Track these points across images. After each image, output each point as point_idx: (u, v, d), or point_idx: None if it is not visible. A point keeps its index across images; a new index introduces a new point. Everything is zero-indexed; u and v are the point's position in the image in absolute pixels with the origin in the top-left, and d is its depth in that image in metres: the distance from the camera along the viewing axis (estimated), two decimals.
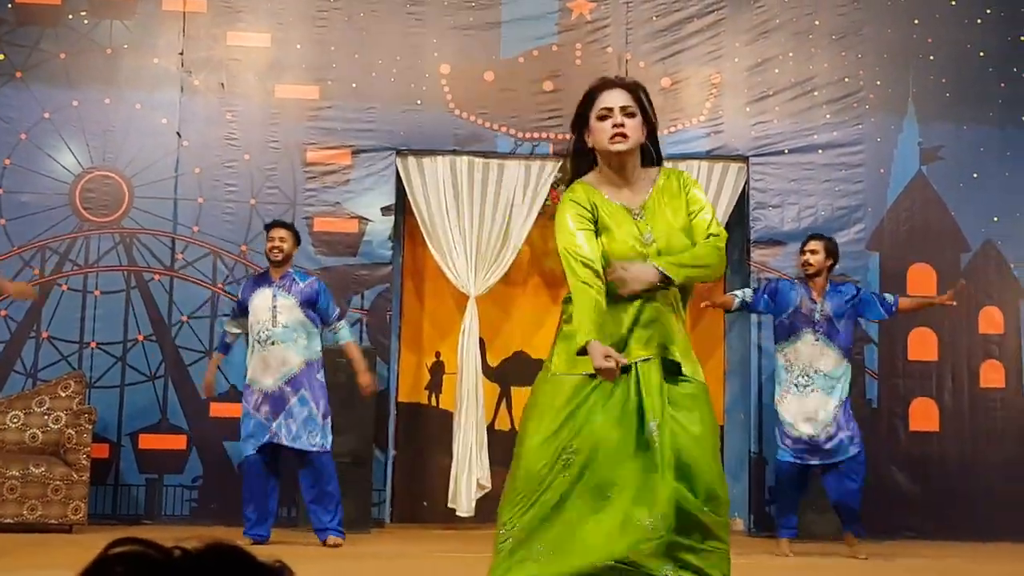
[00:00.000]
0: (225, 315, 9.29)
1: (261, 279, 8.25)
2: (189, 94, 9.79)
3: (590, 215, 4.05)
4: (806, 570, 7.17)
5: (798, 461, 8.00)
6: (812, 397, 7.98)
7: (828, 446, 7.95)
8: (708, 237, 4.10)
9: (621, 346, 3.96)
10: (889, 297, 8.34)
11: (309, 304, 8.07)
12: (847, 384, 8.10)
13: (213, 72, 9.83)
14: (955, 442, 9.81)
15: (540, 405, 4.06)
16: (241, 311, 8.24)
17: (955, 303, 8.48)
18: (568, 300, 4.12)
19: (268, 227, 8.33)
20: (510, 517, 3.97)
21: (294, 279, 8.16)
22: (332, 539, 7.82)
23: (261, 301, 8.06)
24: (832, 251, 8.26)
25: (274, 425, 7.82)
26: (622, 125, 4.04)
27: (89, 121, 9.71)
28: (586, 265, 3.95)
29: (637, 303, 3.99)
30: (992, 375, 9.89)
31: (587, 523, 3.88)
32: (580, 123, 4.19)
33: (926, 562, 7.73)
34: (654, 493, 3.86)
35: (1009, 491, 9.69)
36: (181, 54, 9.81)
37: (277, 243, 8.13)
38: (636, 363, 3.96)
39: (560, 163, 9.45)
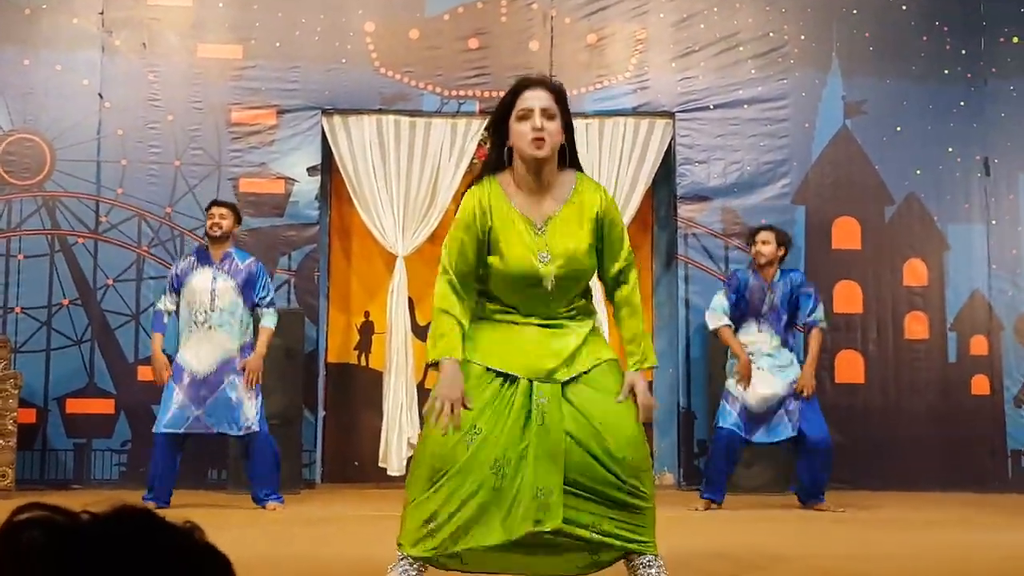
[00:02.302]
0: (151, 277, 9.22)
1: (201, 258, 8.02)
2: (110, 54, 9.64)
3: (480, 222, 4.04)
4: (734, 523, 7.25)
5: (736, 431, 7.99)
6: (757, 374, 7.98)
7: (763, 424, 7.97)
8: (627, 264, 4.17)
9: (520, 361, 4.01)
10: (818, 315, 8.16)
11: (247, 286, 7.94)
12: (796, 368, 8.08)
13: (134, 32, 9.68)
14: (880, 393, 9.96)
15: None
16: (176, 287, 8.06)
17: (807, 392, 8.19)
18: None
19: (208, 206, 8.19)
20: (416, 496, 4.00)
21: (234, 260, 7.98)
22: (271, 504, 7.77)
23: (200, 282, 7.88)
24: (783, 241, 8.22)
25: (201, 412, 7.71)
26: (541, 128, 3.98)
27: (8, 83, 9.53)
28: (452, 289, 4.01)
29: (534, 329, 4.05)
30: (916, 327, 10.04)
31: (491, 507, 3.92)
32: (500, 121, 4.12)
33: (853, 512, 7.84)
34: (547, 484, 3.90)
35: (933, 440, 9.86)
36: (101, 14, 9.64)
37: (217, 220, 7.95)
38: (532, 382, 3.99)
39: (487, 121, 9.41)
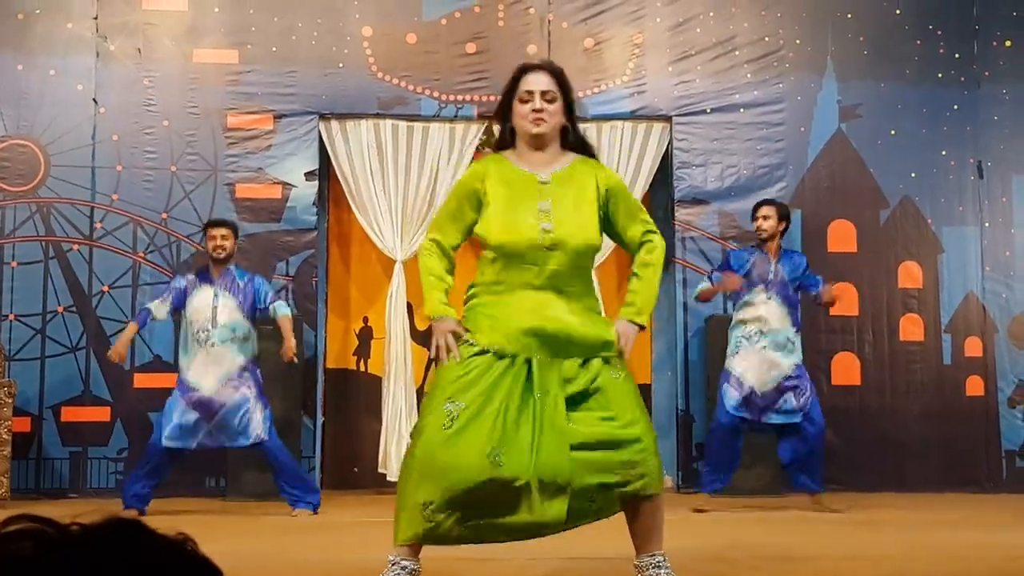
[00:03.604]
0: (147, 284, 9.22)
1: (202, 277, 8.00)
2: (105, 60, 9.63)
3: (478, 183, 4.26)
4: (732, 525, 7.25)
5: (736, 415, 7.99)
6: (762, 353, 7.99)
7: (770, 405, 7.97)
8: (646, 233, 4.32)
9: (520, 341, 4.10)
10: (819, 279, 8.30)
11: (248, 303, 7.94)
12: (800, 351, 8.12)
13: (129, 37, 9.67)
14: (876, 395, 9.96)
15: (439, 384, 4.14)
16: (178, 304, 7.97)
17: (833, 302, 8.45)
18: (472, 286, 4.34)
19: (208, 225, 8.15)
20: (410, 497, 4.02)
21: (235, 278, 7.97)
22: (298, 510, 7.79)
23: (201, 300, 7.87)
24: (784, 215, 8.26)
25: (211, 428, 7.69)
26: (541, 109, 4.24)
27: (2, 88, 9.52)
28: (432, 255, 4.31)
29: (533, 301, 4.15)
30: (911, 329, 10.04)
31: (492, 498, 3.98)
32: (505, 105, 4.34)
33: (849, 513, 7.84)
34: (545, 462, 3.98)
35: (928, 441, 9.87)
36: (95, 19, 9.64)
37: (219, 241, 7.93)
38: (532, 360, 4.09)
39: (485, 125, 9.41)
